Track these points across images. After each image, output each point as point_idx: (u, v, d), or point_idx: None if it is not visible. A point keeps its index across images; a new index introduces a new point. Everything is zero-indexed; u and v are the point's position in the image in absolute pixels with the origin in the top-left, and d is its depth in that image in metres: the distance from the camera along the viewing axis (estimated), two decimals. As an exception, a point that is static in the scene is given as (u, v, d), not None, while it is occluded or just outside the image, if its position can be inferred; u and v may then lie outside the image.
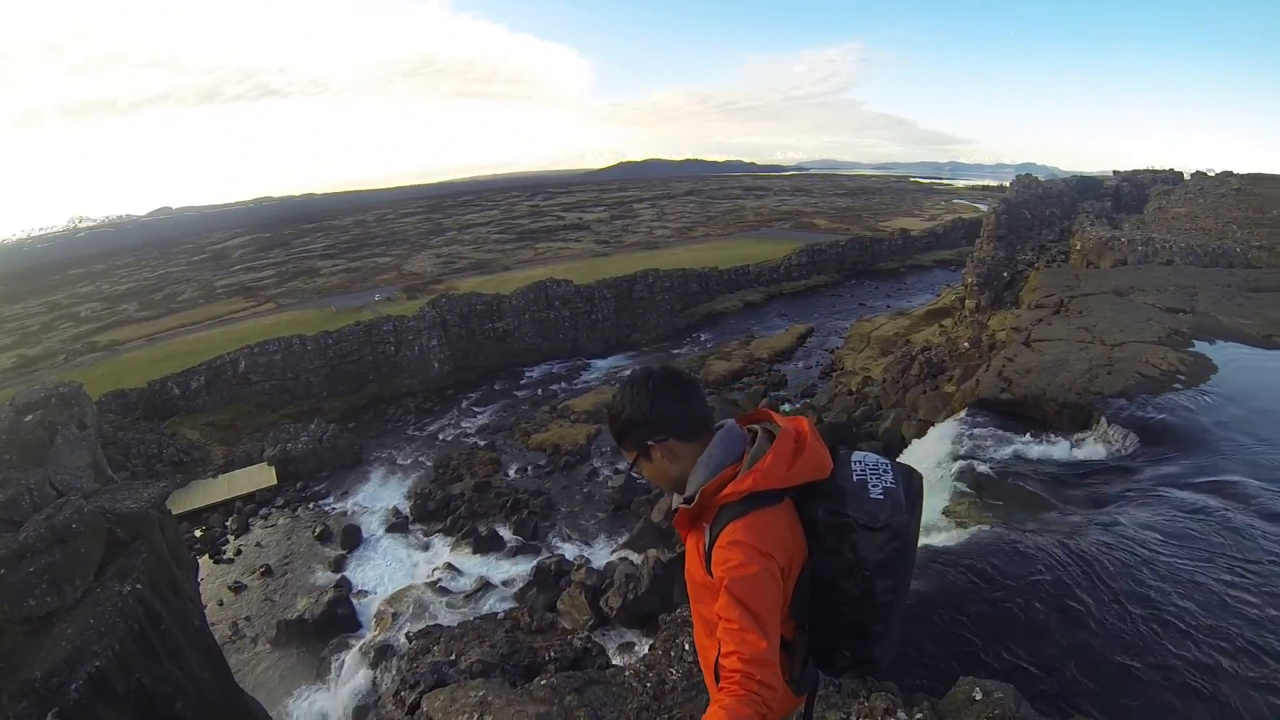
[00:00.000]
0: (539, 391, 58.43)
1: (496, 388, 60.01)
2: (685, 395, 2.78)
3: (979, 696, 6.52)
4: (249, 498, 40.28)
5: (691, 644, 7.40)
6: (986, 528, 14.24)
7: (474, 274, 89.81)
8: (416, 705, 7.25)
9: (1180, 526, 13.82)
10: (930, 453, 21.72)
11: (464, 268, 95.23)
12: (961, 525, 14.93)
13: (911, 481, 2.79)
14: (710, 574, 2.61)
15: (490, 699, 6.31)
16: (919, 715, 6.06)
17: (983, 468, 18.51)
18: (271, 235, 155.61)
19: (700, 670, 2.99)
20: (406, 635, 8.21)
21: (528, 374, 63.51)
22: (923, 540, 13.97)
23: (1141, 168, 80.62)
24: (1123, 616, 11.12)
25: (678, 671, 7.75)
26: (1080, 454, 19.10)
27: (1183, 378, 21.63)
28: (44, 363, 64.07)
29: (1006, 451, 19.73)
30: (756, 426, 2.90)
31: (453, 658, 9.02)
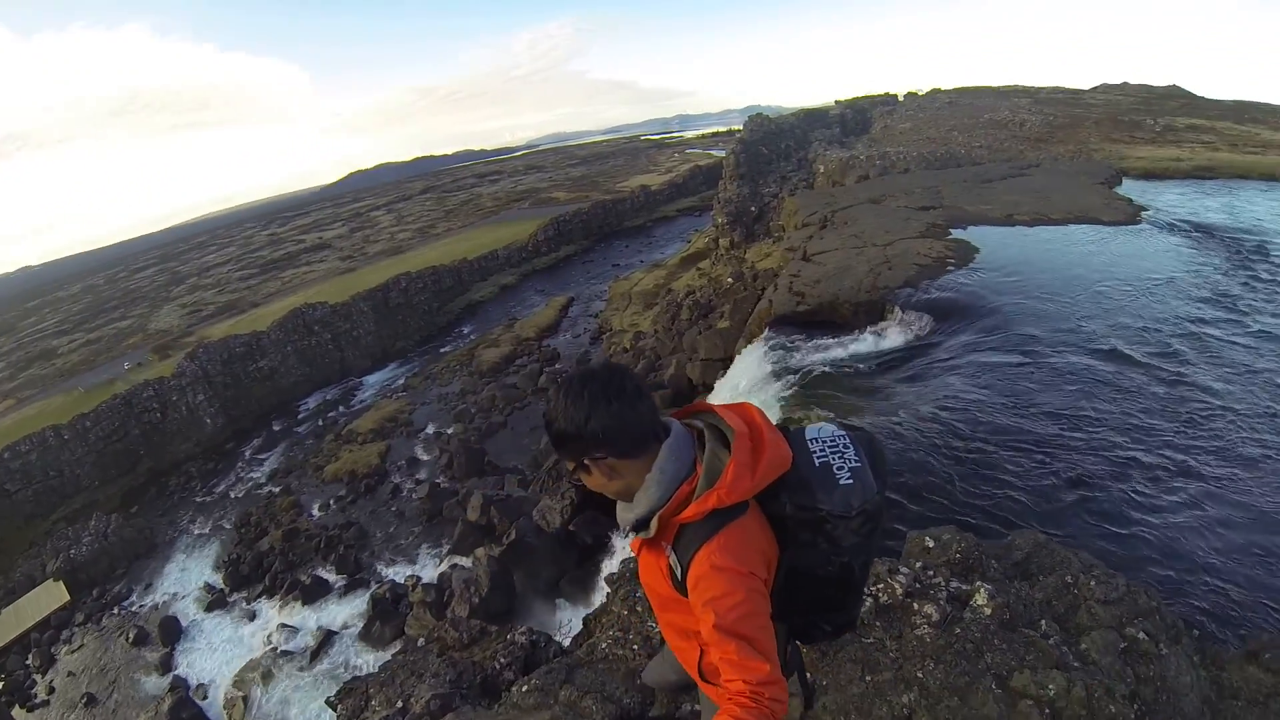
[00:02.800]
0: (319, 422, 55.58)
1: (276, 429, 56.46)
2: (627, 406, 2.41)
3: (931, 544, 6.84)
4: (44, 624, 35.64)
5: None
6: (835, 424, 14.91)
7: (225, 317, 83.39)
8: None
9: (992, 376, 15.68)
10: (747, 375, 22.41)
11: (213, 313, 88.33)
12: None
13: (874, 449, 2.64)
14: (682, 593, 2.44)
15: (479, 731, 5.75)
16: (918, 565, 6.33)
17: (801, 375, 19.38)
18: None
19: None
20: (326, 702, 7.51)
21: (304, 406, 60.35)
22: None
23: (860, 95, 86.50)
24: (984, 454, 12.49)
25: (654, 622, 7.26)
26: (886, 343, 20.48)
27: (953, 261, 23.97)
28: None
29: (819, 357, 20.61)
30: (699, 423, 2.64)
31: (400, 705, 8.19)
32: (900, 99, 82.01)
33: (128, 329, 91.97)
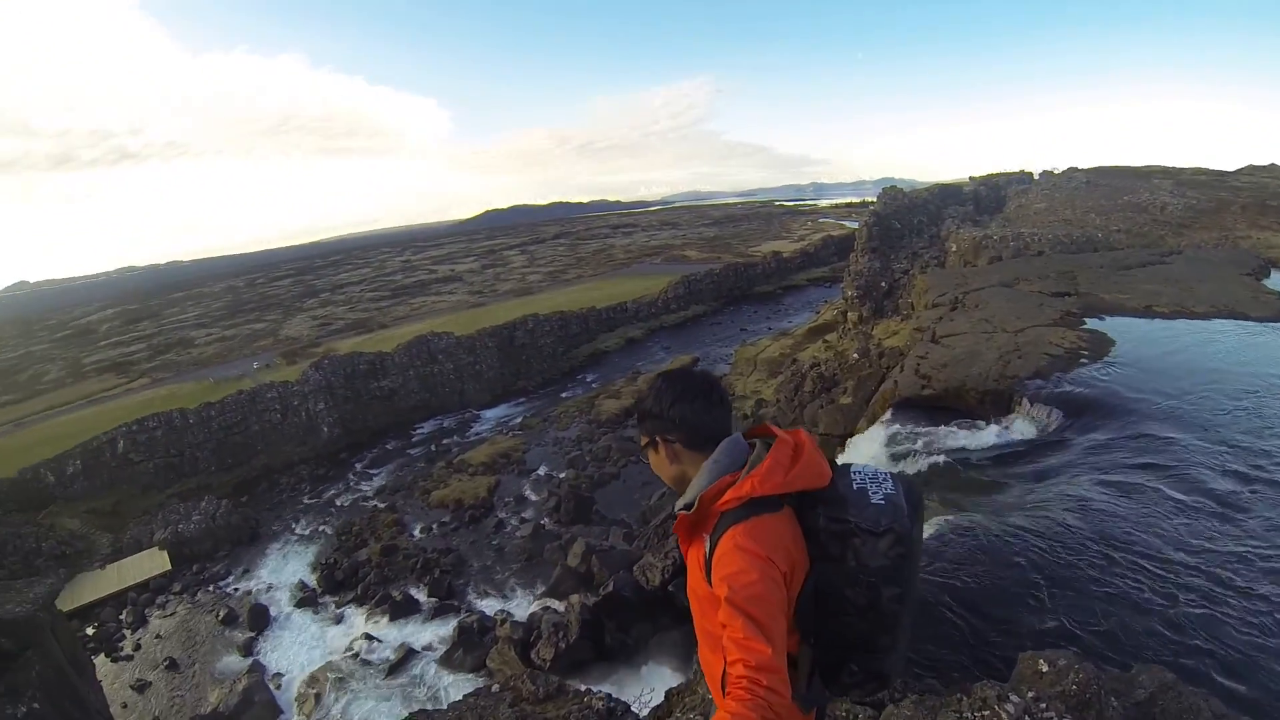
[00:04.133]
0: (432, 447, 56.83)
1: (389, 447, 58.03)
2: (707, 406, 2.81)
3: (1045, 669, 6.39)
4: (143, 587, 37.28)
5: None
6: (950, 518, 14.16)
7: (353, 334, 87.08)
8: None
9: (1123, 484, 14.48)
10: (867, 457, 21.51)
11: (342, 328, 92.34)
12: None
13: (912, 490, 2.74)
14: (710, 581, 2.53)
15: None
16: (1031, 694, 5.86)
17: (924, 463, 18.71)
18: (139, 306, 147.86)
19: None
20: None
21: (419, 430, 61.79)
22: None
23: (994, 171, 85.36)
24: (1106, 570, 11.44)
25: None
26: (1012, 435, 19.59)
27: (1086, 353, 22.85)
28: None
29: (941, 444, 19.88)
30: (758, 440, 2.84)
31: None
32: (1035, 177, 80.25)
33: (261, 331, 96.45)
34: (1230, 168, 74.83)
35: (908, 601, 2.66)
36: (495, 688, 9.27)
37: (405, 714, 8.78)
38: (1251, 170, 72.21)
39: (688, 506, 2.70)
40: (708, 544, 2.59)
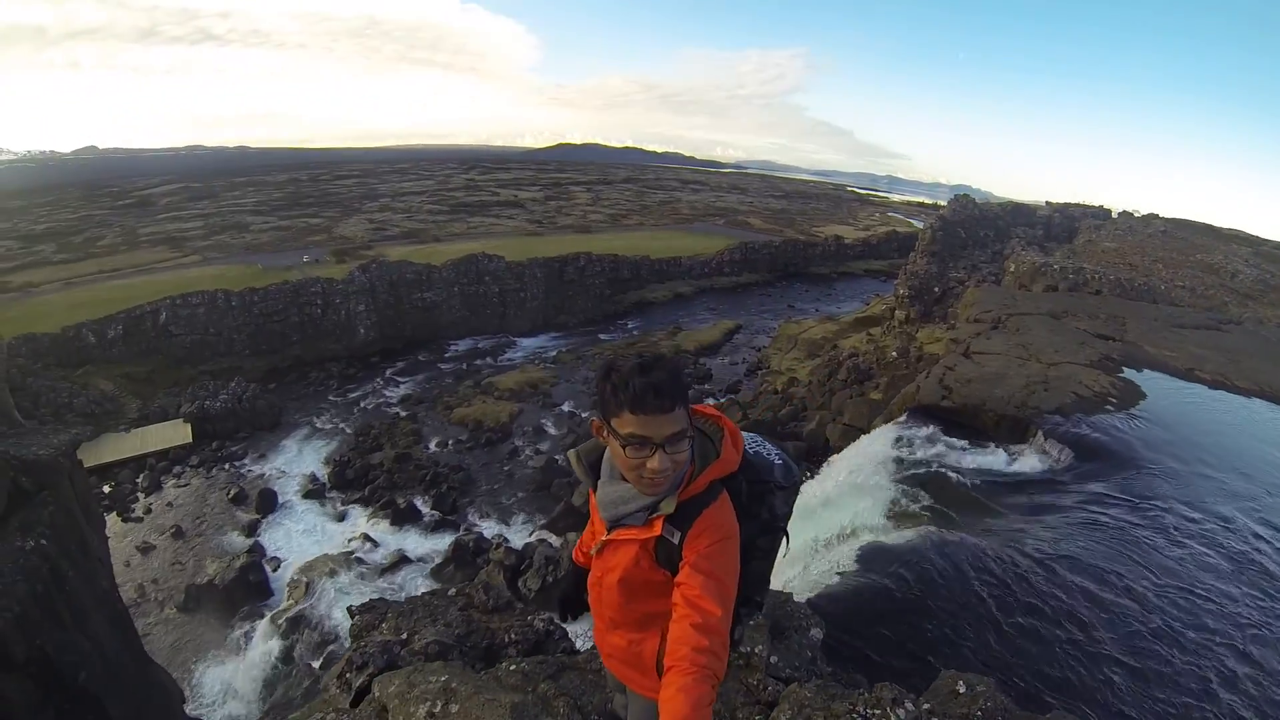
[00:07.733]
0: (464, 366, 57.74)
1: (421, 359, 58.99)
2: None
3: (962, 690, 6.40)
4: (162, 455, 38.60)
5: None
6: (933, 529, 14.16)
7: (405, 242, 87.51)
8: (366, 690, 6.58)
9: (1110, 538, 14.26)
10: (871, 453, 21.44)
11: (396, 235, 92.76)
12: (906, 526, 14.86)
13: (785, 448, 3.20)
14: (668, 567, 2.73)
15: (455, 685, 5.67)
16: (925, 705, 5.95)
17: (922, 471, 18.53)
18: (201, 185, 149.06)
19: None
20: (348, 609, 7.76)
21: (453, 347, 62.69)
22: (872, 538, 14.42)
23: (1072, 201, 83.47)
24: (1069, 616, 11.42)
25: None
26: (1018, 465, 19.25)
27: (1114, 400, 22.22)
28: (-50, 301, 59.80)
29: (946, 458, 19.62)
30: None
31: (404, 636, 8.21)
32: (1114, 215, 78.25)
33: (316, 226, 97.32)
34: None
35: None
36: (451, 591, 9.71)
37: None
38: (1344, 253, 69.38)
39: (653, 508, 2.74)
40: (666, 528, 2.71)
